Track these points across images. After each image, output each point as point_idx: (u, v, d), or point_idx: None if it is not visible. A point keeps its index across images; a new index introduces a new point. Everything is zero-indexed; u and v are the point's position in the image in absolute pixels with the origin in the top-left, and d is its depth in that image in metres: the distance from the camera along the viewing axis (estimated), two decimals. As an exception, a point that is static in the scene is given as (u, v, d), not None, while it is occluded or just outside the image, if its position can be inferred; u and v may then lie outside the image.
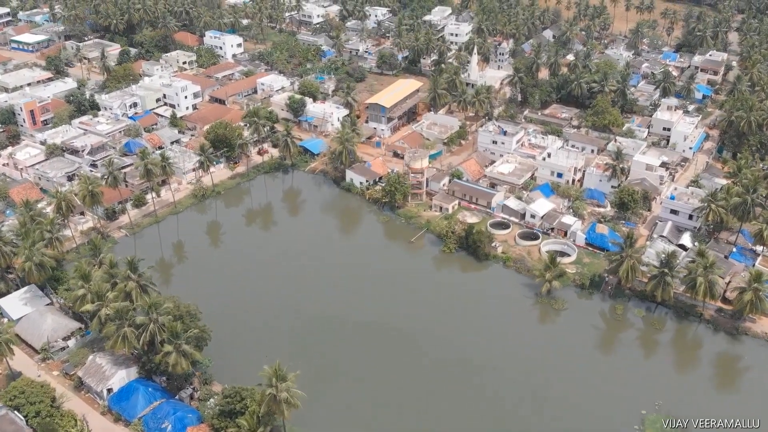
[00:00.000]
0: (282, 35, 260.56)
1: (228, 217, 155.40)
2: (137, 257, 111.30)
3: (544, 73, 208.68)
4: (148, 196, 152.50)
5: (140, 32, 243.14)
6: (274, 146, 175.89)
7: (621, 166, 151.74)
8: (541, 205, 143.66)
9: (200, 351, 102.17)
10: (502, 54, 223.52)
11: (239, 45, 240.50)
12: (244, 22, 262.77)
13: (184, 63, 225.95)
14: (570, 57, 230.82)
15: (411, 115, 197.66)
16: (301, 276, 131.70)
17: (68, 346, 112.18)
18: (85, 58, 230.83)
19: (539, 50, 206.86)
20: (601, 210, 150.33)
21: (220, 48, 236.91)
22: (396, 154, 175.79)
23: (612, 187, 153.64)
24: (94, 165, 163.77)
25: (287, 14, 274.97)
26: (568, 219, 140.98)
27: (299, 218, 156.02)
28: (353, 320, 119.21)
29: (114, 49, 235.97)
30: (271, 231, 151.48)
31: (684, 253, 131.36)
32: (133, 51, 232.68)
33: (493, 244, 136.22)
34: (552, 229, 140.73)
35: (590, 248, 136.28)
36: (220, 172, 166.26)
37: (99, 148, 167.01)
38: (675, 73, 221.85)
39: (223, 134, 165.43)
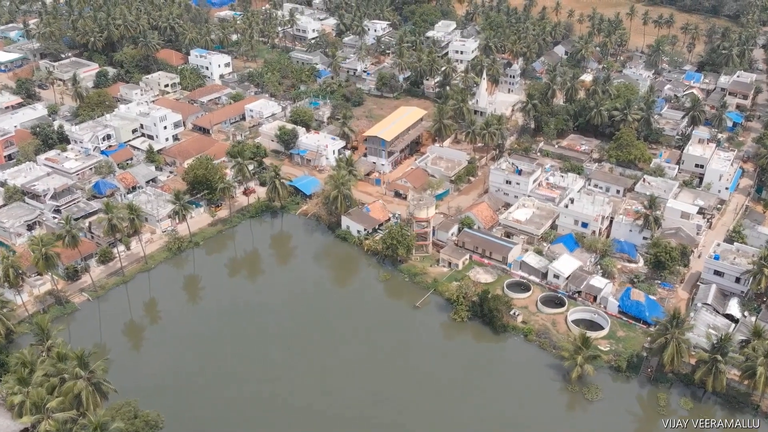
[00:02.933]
0: (274, 52, 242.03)
1: (207, 272, 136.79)
2: (92, 348, 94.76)
3: (558, 96, 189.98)
4: (117, 249, 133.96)
5: (121, 50, 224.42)
6: (262, 184, 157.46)
7: (654, 215, 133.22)
8: (566, 263, 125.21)
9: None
10: (513, 76, 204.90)
11: (227, 64, 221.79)
12: (234, 37, 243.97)
13: (166, 86, 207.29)
14: (585, 77, 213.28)
15: (414, 146, 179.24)
16: (286, 350, 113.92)
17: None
18: (59, 80, 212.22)
19: (554, 74, 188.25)
20: (633, 266, 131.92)
21: (207, 68, 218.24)
22: (398, 194, 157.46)
23: (644, 238, 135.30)
24: (57, 211, 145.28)
25: (280, 29, 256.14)
26: (598, 281, 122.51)
27: (287, 273, 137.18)
28: (345, 415, 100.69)
29: (91, 69, 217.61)
30: (256, 289, 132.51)
31: (733, 326, 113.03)
32: (111, 72, 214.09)
33: (511, 312, 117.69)
34: (579, 292, 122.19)
35: (624, 318, 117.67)
36: (199, 218, 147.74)
37: (64, 191, 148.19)
38: (700, 96, 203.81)
39: (203, 175, 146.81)
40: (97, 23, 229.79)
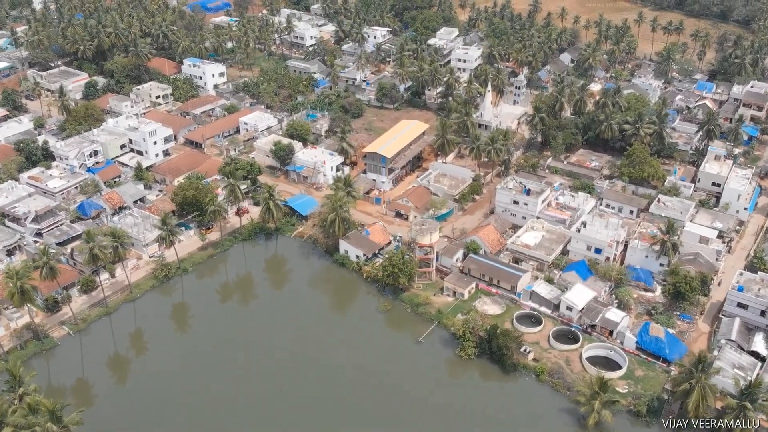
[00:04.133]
0: (271, 60, 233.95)
1: (196, 300, 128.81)
2: (64, 402, 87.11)
3: (565, 108, 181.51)
4: (101, 277, 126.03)
5: (111, 59, 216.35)
6: (256, 204, 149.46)
7: (672, 240, 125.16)
8: (579, 294, 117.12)
9: None
10: (518, 87, 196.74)
11: (221, 74, 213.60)
12: (229, 44, 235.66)
13: (158, 97, 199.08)
14: (593, 86, 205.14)
15: (415, 161, 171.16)
16: (279, 386, 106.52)
17: None
18: (47, 91, 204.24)
19: (562, 86, 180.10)
20: (650, 296, 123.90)
21: (200, 78, 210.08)
22: (399, 214, 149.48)
23: (661, 264, 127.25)
24: (39, 234, 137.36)
25: (277, 36, 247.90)
26: (614, 314, 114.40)
27: (281, 302, 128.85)
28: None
29: (80, 79, 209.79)
30: (248, 319, 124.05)
31: (760, 365, 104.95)
32: (101, 82, 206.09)
33: (522, 349, 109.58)
34: (593, 326, 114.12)
35: (642, 355, 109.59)
36: (189, 241, 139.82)
37: (47, 213, 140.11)
38: (712, 107, 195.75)
39: (193, 196, 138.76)
40: (87, 31, 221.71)
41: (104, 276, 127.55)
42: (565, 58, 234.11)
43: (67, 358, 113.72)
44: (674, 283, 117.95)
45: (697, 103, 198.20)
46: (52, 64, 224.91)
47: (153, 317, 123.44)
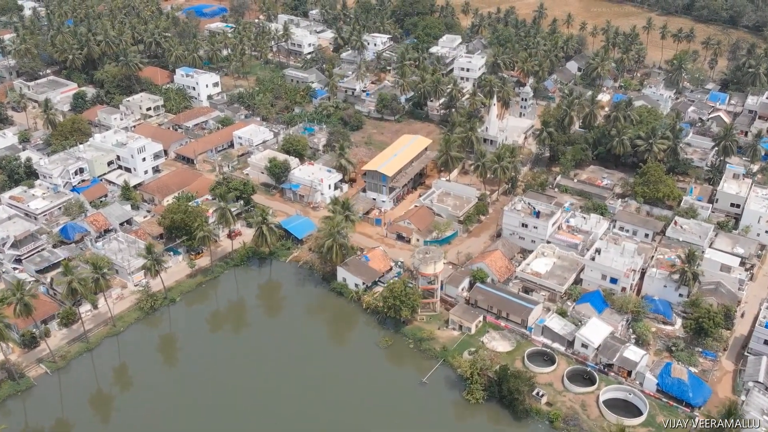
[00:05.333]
0: (267, 68, 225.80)
1: (184, 333, 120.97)
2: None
3: (574, 120, 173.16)
4: (82, 309, 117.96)
5: (101, 68, 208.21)
6: (249, 225, 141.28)
7: (693, 270, 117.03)
8: (595, 330, 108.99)
9: None
10: (525, 99, 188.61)
11: (216, 84, 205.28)
12: (224, 52, 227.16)
13: (149, 109, 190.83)
14: (602, 97, 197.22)
15: (417, 177, 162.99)
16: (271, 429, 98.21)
17: None
18: (34, 102, 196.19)
19: (571, 98, 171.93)
20: (669, 329, 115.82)
21: (193, 88, 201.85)
22: (400, 237, 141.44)
23: (680, 295, 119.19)
24: (19, 260, 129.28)
25: (273, 43, 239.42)
26: (633, 352, 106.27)
27: (274, 335, 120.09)
28: None
29: (69, 90, 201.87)
30: (238, 354, 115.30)
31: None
32: (90, 93, 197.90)
33: (535, 392, 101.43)
34: (611, 365, 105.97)
35: (664, 398, 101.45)
36: (177, 267, 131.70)
37: (27, 238, 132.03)
38: (726, 119, 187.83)
39: (181, 220, 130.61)
40: (77, 39, 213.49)
41: (86, 307, 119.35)
42: (572, 66, 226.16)
43: (45, 400, 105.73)
44: (697, 318, 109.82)
45: (710, 115, 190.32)
46: (41, 73, 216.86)
47: (138, 352, 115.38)
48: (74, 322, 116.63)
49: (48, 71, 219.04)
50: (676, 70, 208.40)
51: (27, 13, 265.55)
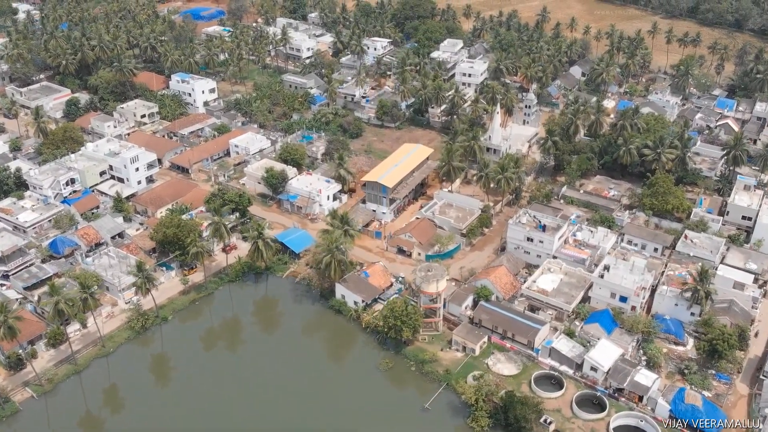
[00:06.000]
0: (265, 73, 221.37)
1: (177, 353, 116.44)
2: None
3: (579, 128, 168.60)
4: (71, 329, 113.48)
5: (96, 73, 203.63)
6: (245, 239, 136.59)
7: (706, 289, 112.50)
8: (605, 353, 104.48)
9: None
10: (528, 106, 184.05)
11: (212, 90, 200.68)
12: (221, 56, 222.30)
13: (143, 116, 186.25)
14: (607, 103, 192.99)
15: (418, 188, 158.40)
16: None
17: None
18: (26, 108, 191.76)
19: (577, 106, 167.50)
20: (681, 350, 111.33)
21: (189, 95, 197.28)
22: (401, 251, 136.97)
23: (692, 314, 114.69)
24: (6, 276, 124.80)
25: (271, 48, 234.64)
26: (644, 376, 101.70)
27: (270, 356, 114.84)
28: None
29: (62, 96, 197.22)
30: (232, 375, 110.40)
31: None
32: (83, 99, 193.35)
33: (542, 419, 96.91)
34: (621, 389, 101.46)
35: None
36: (170, 283, 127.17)
37: (15, 253, 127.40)
38: (735, 126, 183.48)
39: (174, 234, 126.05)
40: (71, 43, 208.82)
41: (75, 327, 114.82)
42: (576, 71, 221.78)
43: (32, 426, 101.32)
44: (710, 340, 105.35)
45: (718, 123, 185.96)
46: (35, 79, 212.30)
47: (128, 373, 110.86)
48: (62, 343, 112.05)
49: (42, 76, 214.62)
50: (683, 76, 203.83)
51: (21, 16, 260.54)
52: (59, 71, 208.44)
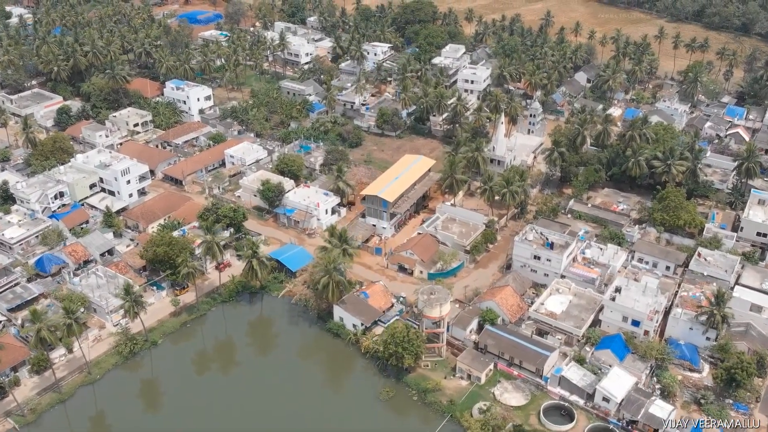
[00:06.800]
0: (262, 79, 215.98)
1: (167, 378, 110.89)
2: None
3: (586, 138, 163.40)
4: (55, 354, 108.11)
5: (88, 80, 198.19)
6: (240, 257, 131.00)
7: (722, 313, 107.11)
8: (617, 382, 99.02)
9: None
10: (534, 116, 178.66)
11: (208, 98, 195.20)
12: (218, 62, 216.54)
13: (136, 125, 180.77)
14: (614, 111, 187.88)
15: (420, 200, 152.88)
16: None
17: None
18: (16, 116, 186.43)
19: (584, 116, 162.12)
20: (696, 377, 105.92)
21: (184, 102, 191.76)
22: (402, 268, 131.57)
23: (707, 339, 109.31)
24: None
25: (269, 53, 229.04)
26: (659, 408, 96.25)
27: (263, 383, 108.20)
28: None
29: (54, 103, 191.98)
30: (224, 403, 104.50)
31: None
32: (75, 107, 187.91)
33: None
34: (635, 422, 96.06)
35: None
36: (160, 304, 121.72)
37: (0, 272, 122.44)
38: (745, 136, 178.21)
39: (164, 253, 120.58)
40: (63, 49, 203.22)
41: (60, 351, 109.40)
42: (581, 77, 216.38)
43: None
44: (728, 368, 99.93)
45: (728, 132, 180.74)
46: (27, 85, 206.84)
47: (116, 400, 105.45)
48: (47, 369, 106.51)
49: (33, 83, 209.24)
50: (691, 83, 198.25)
51: (14, 21, 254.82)
52: (51, 78, 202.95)
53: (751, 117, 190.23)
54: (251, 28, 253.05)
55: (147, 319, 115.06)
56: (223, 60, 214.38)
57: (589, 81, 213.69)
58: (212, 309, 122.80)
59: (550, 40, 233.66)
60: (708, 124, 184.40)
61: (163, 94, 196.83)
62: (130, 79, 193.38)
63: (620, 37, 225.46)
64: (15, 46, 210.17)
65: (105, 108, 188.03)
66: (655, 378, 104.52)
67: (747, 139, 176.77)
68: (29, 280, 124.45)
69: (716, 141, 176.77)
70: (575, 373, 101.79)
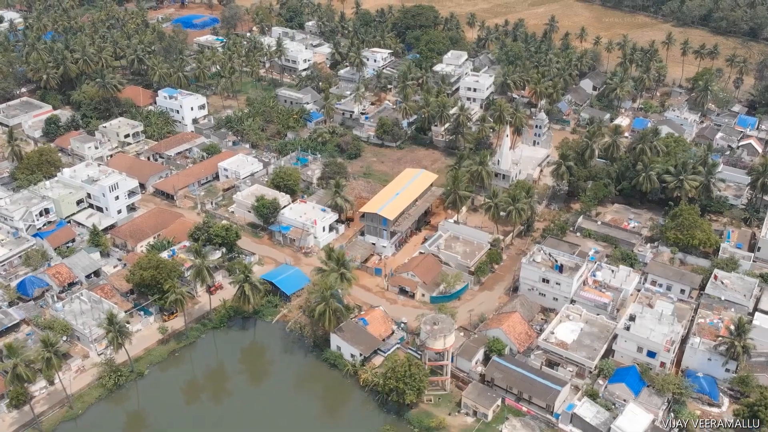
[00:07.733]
0: (259, 86, 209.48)
1: (153, 410, 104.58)
2: None
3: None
4: (35, 387, 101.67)
5: (79, 88, 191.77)
6: (232, 282, 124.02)
7: (743, 344, 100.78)
8: (634, 420, 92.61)
9: None
10: (539, 127, 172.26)
11: (202, 107, 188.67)
12: (213, 69, 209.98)
13: (127, 136, 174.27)
14: (621, 121, 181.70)
15: (422, 216, 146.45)
16: None
17: None
18: (3, 126, 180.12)
19: (593, 128, 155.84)
20: (716, 411, 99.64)
21: (177, 111, 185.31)
22: (403, 291, 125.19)
23: (726, 370, 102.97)
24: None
25: (265, 59, 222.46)
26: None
27: (256, 415, 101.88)
28: None
29: (43, 113, 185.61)
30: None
31: None
32: (64, 117, 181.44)
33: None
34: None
35: None
36: (148, 330, 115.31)
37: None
38: (758, 147, 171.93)
39: (152, 277, 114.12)
40: (53, 56, 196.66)
41: (41, 384, 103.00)
42: (587, 84, 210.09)
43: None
44: (750, 404, 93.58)
45: (740, 143, 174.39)
46: (16, 93, 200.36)
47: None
48: (26, 403, 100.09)
49: (23, 90, 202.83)
50: (702, 92, 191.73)
51: (5, 25, 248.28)
52: (41, 86, 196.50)
53: (763, 127, 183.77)
54: (248, 33, 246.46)
55: (133, 347, 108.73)
56: (218, 67, 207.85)
57: (595, 89, 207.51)
58: (202, 336, 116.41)
59: (555, 46, 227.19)
60: (719, 134, 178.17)
61: (155, 103, 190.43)
62: (121, 87, 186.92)
63: (627, 43, 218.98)
64: (4, 53, 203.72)
65: (95, 118, 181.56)
66: (672, 414, 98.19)
67: (760, 150, 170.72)
68: (11, 304, 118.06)
69: (728, 152, 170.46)
70: (588, 410, 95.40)
